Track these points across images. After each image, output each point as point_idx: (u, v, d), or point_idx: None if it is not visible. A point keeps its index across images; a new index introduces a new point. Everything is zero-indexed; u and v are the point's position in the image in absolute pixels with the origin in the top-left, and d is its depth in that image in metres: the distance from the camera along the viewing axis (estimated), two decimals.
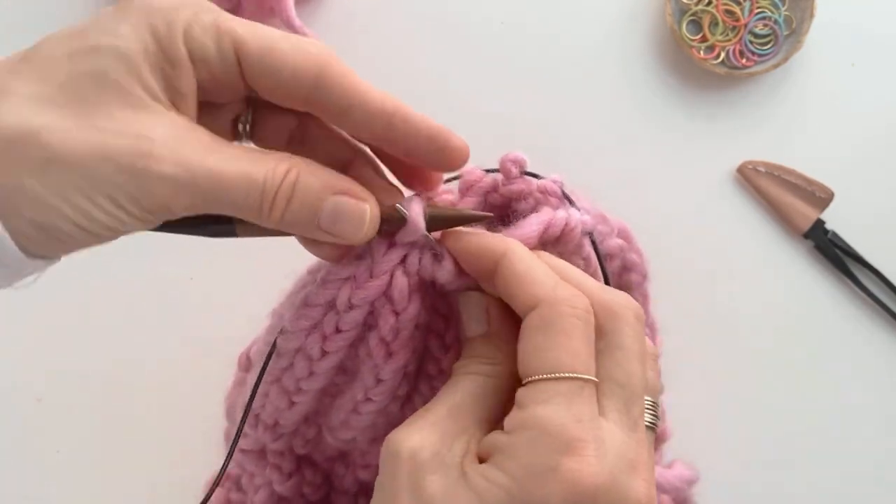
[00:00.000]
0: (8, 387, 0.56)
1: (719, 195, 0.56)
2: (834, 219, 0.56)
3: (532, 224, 0.34)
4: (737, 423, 0.57)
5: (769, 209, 0.56)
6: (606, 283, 0.37)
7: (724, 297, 0.57)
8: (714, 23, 0.55)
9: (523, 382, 0.30)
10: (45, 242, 0.28)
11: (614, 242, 0.40)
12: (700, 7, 0.54)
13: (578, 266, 0.36)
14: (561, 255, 0.35)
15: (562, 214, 0.35)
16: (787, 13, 0.55)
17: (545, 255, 0.34)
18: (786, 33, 0.55)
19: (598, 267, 0.37)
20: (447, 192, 0.38)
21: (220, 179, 0.28)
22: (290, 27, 0.49)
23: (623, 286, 0.42)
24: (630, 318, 0.32)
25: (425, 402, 0.38)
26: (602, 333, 0.31)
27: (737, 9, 0.54)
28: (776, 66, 0.55)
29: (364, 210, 0.31)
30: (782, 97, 0.56)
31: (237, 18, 0.30)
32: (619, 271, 0.41)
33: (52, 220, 0.27)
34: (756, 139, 0.56)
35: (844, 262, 0.56)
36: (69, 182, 0.27)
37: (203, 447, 0.57)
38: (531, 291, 0.31)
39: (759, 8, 0.54)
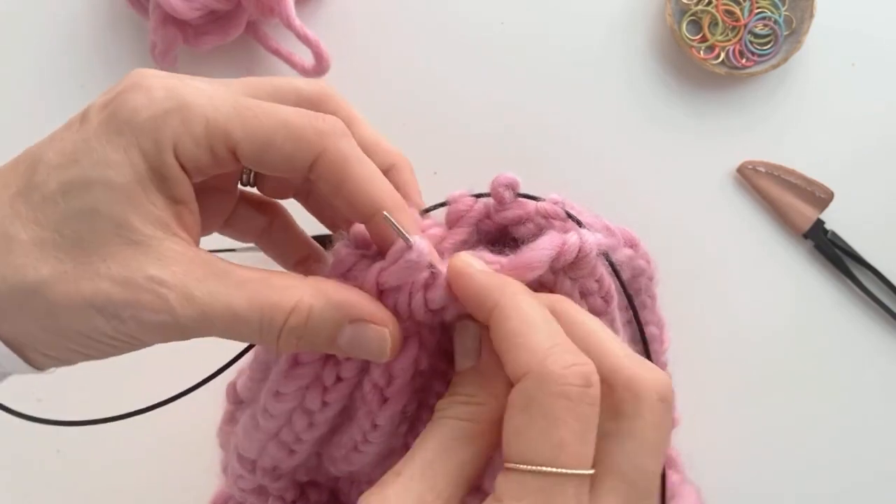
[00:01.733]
0: (8, 387, 0.56)
1: (719, 195, 0.56)
2: (834, 219, 0.56)
3: (543, 249, 0.30)
4: (735, 422, 0.57)
5: (769, 209, 0.56)
6: (632, 306, 0.34)
7: (723, 296, 0.57)
8: (714, 23, 0.54)
9: (505, 465, 0.26)
10: (56, 363, 0.30)
11: (622, 254, 0.37)
12: (700, 7, 0.54)
13: (592, 289, 0.33)
14: (574, 281, 0.32)
15: (574, 238, 0.31)
16: (786, 13, 0.54)
17: (559, 300, 0.30)
18: (786, 33, 0.55)
19: (612, 287, 0.34)
20: (436, 226, 0.35)
21: (232, 317, 0.28)
22: (290, 27, 0.49)
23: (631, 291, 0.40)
24: (654, 401, 0.27)
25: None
26: (617, 413, 0.27)
27: (737, 9, 0.54)
28: (776, 66, 0.55)
29: (384, 336, 0.30)
30: (782, 97, 0.56)
31: (230, 111, 0.29)
32: (627, 280, 0.39)
33: (60, 353, 0.29)
34: (756, 139, 0.56)
35: (844, 262, 0.56)
36: (72, 329, 0.27)
37: (203, 444, 0.57)
38: (520, 358, 0.26)
39: (758, 8, 0.54)
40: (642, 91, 0.56)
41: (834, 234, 0.56)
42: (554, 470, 0.25)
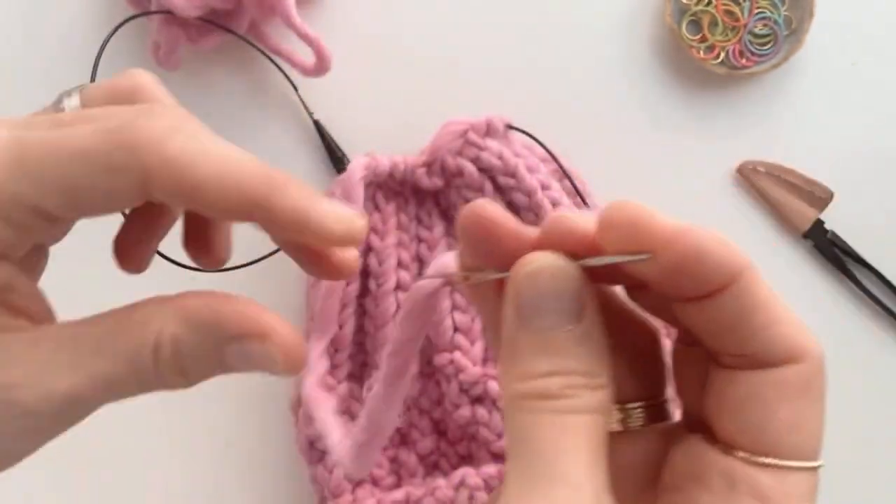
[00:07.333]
0: None
1: (719, 195, 0.56)
2: (834, 219, 0.56)
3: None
4: None
5: (769, 209, 0.56)
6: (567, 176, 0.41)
7: None
8: (714, 23, 0.55)
9: (760, 461, 0.23)
10: None
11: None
12: (700, 7, 0.54)
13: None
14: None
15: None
16: (786, 13, 0.55)
17: None
18: (786, 33, 0.55)
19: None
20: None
21: (104, 383, 0.23)
22: (291, 26, 0.49)
23: None
24: None
25: None
26: None
27: (736, 9, 0.54)
28: (776, 65, 0.55)
29: (270, 352, 0.23)
30: (782, 97, 0.56)
31: (10, 164, 0.23)
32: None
33: None
34: (756, 139, 0.56)
35: (844, 263, 0.56)
36: None
37: (200, 443, 0.57)
38: (798, 335, 0.23)
39: (758, 8, 0.54)
40: (642, 91, 0.56)
41: (834, 234, 0.56)
42: (817, 464, 0.23)
